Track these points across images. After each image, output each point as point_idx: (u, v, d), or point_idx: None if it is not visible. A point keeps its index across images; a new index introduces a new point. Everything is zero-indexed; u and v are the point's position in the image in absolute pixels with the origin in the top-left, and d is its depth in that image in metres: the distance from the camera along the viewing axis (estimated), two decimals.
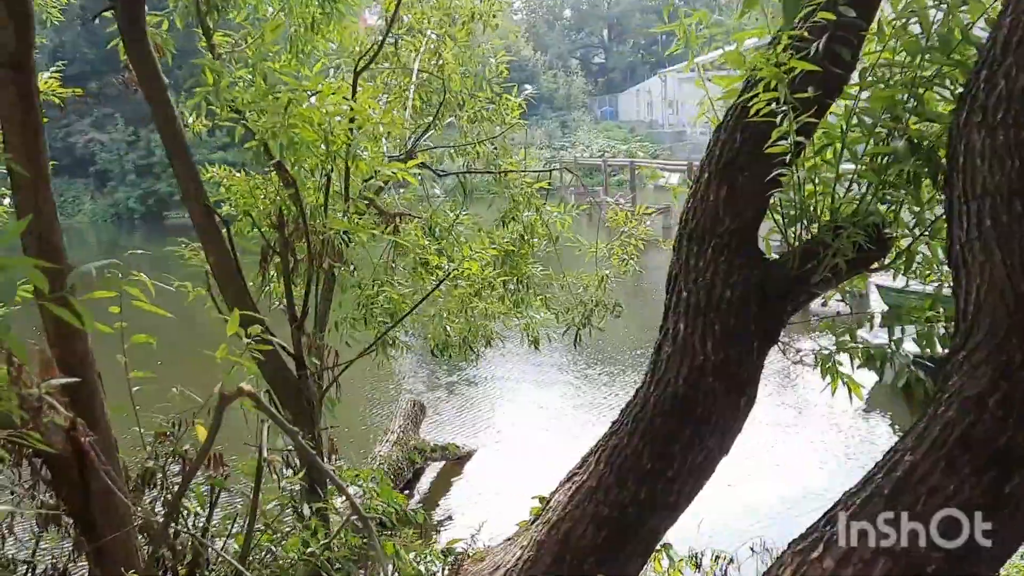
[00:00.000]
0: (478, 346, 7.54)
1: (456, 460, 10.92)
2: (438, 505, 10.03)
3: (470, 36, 7.22)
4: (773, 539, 6.32)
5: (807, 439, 11.20)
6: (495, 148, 7.19)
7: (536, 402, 13.93)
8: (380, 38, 6.35)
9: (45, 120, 6.85)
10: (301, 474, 4.18)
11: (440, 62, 6.69)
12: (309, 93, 4.56)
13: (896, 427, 11.67)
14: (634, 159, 48.49)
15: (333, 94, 4.85)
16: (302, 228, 4.75)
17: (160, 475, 3.49)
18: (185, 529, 3.33)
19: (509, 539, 4.89)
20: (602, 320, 7.20)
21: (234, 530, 4.15)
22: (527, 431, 12.40)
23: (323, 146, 4.70)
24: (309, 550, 3.62)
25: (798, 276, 4.29)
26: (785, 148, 3.88)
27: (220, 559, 3.64)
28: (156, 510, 3.45)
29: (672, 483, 4.37)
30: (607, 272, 7.12)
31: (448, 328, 6.85)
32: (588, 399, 14.19)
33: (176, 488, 3.50)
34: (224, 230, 4.79)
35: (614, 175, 48.00)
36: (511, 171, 6.93)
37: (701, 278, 4.42)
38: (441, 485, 10.66)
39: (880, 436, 11.46)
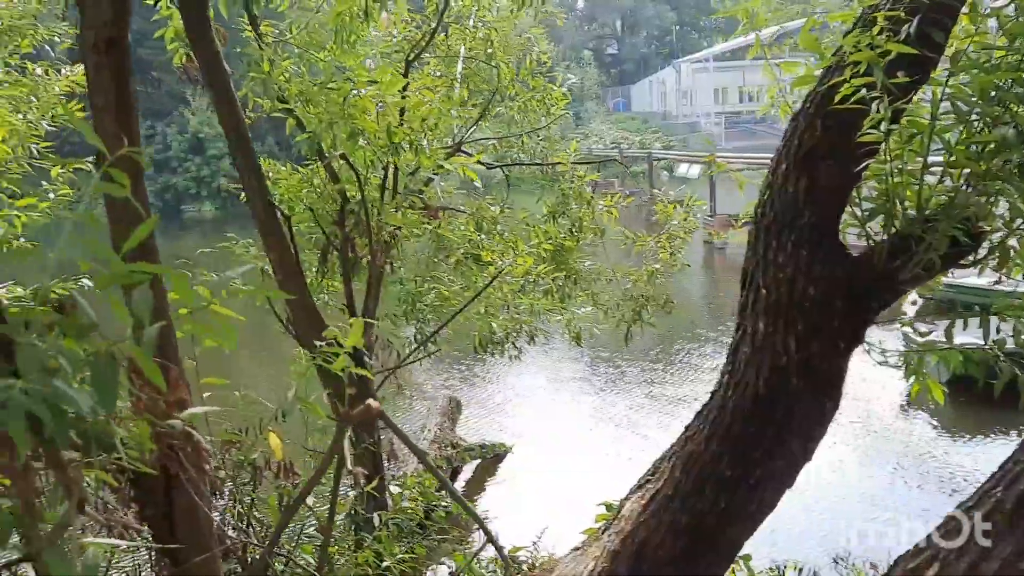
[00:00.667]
0: (520, 343, 7.35)
1: (492, 459, 10.71)
2: (475, 504, 9.83)
3: (513, 24, 6.99)
4: (833, 547, 6.12)
5: (848, 438, 10.94)
6: (543, 139, 6.98)
7: (563, 400, 13.73)
8: (427, 27, 6.14)
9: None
10: (373, 483, 3.99)
11: (490, 50, 6.48)
12: (367, 83, 4.35)
13: (938, 425, 11.41)
14: (651, 151, 48.17)
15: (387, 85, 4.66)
16: (364, 223, 4.56)
17: (231, 485, 3.32)
18: (263, 546, 3.14)
19: (577, 548, 4.70)
20: (651, 316, 6.99)
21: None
22: (556, 429, 12.19)
23: (384, 137, 4.49)
24: (385, 564, 3.43)
25: (885, 272, 4.06)
26: (878, 137, 3.65)
27: (286, 573, 3.46)
28: (225, 521, 3.27)
29: (753, 491, 4.15)
30: (657, 266, 6.91)
31: (494, 324, 6.66)
32: (613, 392, 14.01)
33: (246, 498, 3.32)
34: (286, 226, 4.60)
35: (628, 167, 47.70)
36: (559, 163, 6.72)
37: (781, 274, 4.19)
38: (477, 485, 10.47)
39: (921, 436, 11.21)
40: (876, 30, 3.58)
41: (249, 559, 3.11)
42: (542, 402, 13.57)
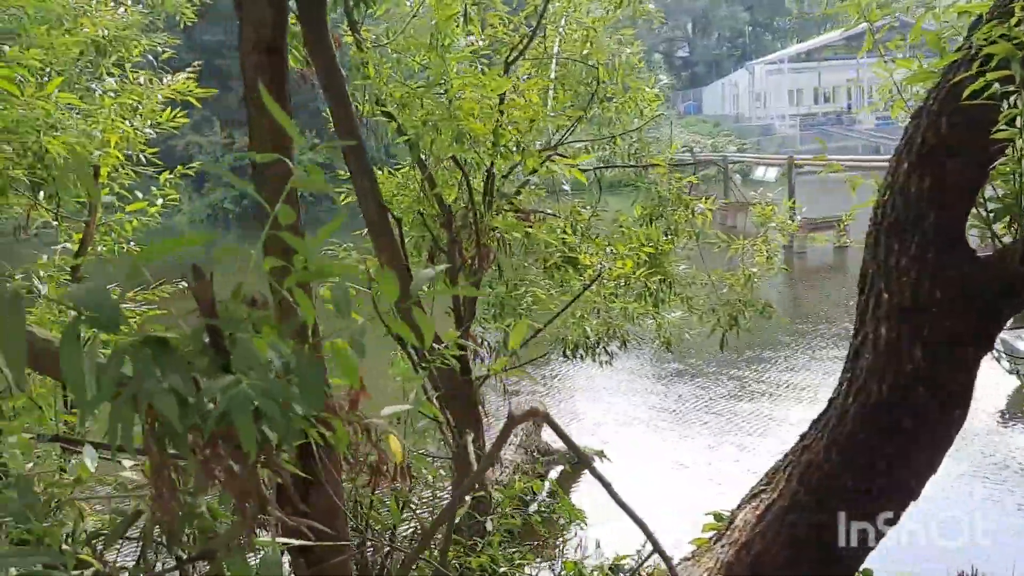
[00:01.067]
0: (612, 347, 7.27)
1: (576, 465, 10.56)
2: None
3: (606, 24, 6.91)
4: (951, 562, 5.83)
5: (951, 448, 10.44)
6: (636, 140, 6.89)
7: (645, 406, 13.53)
8: (523, 29, 6.12)
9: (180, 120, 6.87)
10: (502, 486, 3.96)
11: (585, 52, 6.41)
12: (473, 86, 4.34)
13: None
14: (725, 153, 47.43)
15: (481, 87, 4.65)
16: (472, 227, 4.55)
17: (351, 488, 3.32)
18: (391, 544, 3.13)
19: (688, 558, 4.59)
20: (748, 321, 6.82)
21: None
22: (638, 436, 12.00)
23: (489, 139, 4.48)
24: (502, 570, 3.40)
25: (1018, 274, 3.85)
26: (1012, 133, 3.47)
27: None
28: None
29: (876, 502, 3.98)
30: (754, 270, 6.73)
31: (588, 328, 6.59)
32: (697, 399, 13.75)
33: (364, 499, 3.32)
34: (397, 229, 4.62)
35: (701, 171, 46.95)
36: (657, 165, 6.61)
37: (905, 277, 4.01)
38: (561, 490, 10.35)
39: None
40: (1014, 21, 3.41)
41: (370, 560, 3.11)
42: (623, 408, 13.38)
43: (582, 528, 6.77)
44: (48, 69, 6.33)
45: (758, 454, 10.59)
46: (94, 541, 1.71)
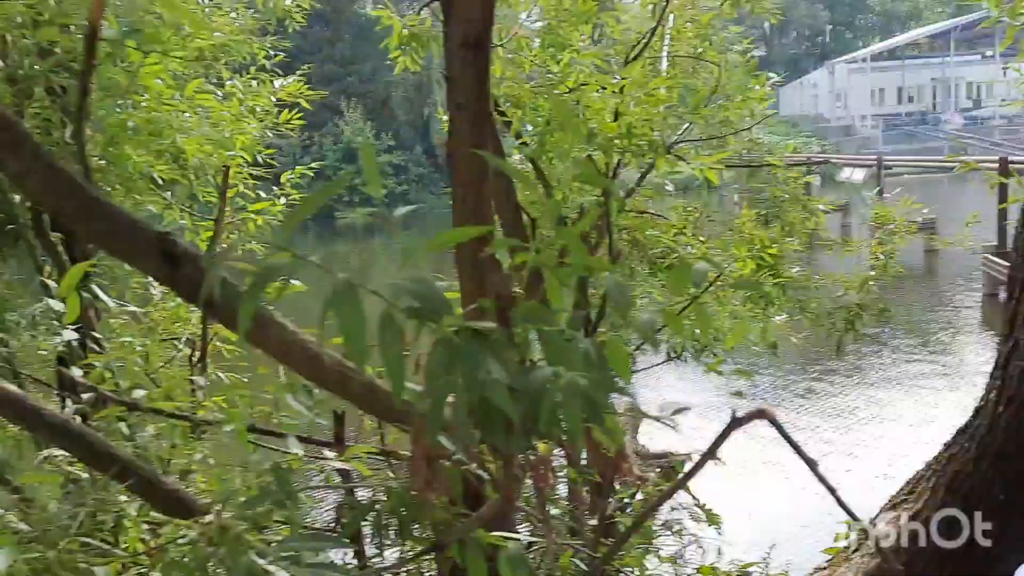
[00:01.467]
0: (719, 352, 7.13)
1: (669, 468, 10.41)
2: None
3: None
4: None
5: None
6: (748, 139, 6.77)
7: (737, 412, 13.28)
8: (640, 28, 6.07)
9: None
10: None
11: (701, 50, 6.33)
12: (599, 86, 4.31)
13: None
14: (810, 155, 46.44)
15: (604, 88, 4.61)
16: (604, 227, 4.52)
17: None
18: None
19: (823, 569, 4.48)
20: (864, 325, 6.63)
21: None
22: (735, 443, 11.77)
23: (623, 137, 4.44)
24: (649, 574, 3.36)
25: None
26: None
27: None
28: None
29: None
30: (872, 272, 6.54)
31: (697, 331, 6.48)
32: (790, 406, 13.45)
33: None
34: (531, 229, 4.63)
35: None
36: (774, 165, 6.48)
37: None
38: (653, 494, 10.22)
39: None
40: None
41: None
42: (717, 414, 13.18)
43: (718, 531, 6.65)
44: (170, 72, 6.54)
45: (865, 463, 10.37)
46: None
